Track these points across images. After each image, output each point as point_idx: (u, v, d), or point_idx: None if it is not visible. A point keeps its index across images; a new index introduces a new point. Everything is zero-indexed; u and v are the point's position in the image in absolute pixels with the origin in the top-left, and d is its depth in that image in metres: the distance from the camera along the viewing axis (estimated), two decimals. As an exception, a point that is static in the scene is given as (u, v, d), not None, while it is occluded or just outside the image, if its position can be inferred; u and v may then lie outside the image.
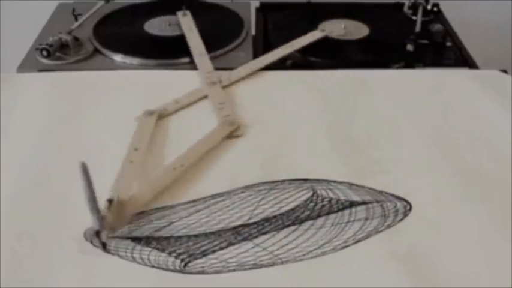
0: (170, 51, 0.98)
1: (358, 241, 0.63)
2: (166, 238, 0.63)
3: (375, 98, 0.86)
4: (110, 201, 0.64)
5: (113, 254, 0.62)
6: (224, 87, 0.88)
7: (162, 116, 0.82)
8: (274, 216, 0.66)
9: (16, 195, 0.68)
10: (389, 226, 0.65)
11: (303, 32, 1.01)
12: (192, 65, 0.94)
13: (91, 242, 0.63)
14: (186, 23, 1.03)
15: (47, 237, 0.63)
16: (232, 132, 0.78)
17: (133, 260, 0.61)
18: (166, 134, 0.79)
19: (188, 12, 1.05)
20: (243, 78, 0.90)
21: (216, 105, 0.84)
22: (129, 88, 0.88)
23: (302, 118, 0.82)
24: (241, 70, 0.92)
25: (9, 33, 1.41)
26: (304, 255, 0.61)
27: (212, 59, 0.95)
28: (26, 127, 0.79)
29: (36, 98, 0.85)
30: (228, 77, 0.90)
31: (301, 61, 0.96)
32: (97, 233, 0.62)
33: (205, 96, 0.86)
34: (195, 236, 0.64)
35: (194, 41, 0.98)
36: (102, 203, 0.63)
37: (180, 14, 1.05)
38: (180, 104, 0.84)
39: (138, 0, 1.14)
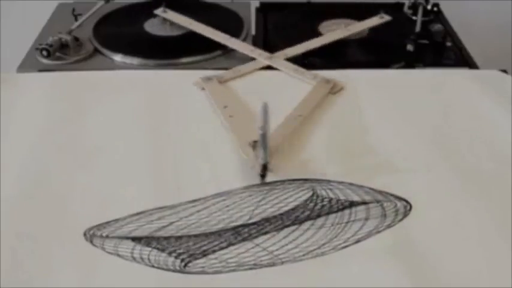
0: (170, 51, 0.98)
1: (358, 241, 0.63)
2: (166, 238, 0.63)
3: (375, 98, 0.86)
4: (254, 142, 0.71)
5: (113, 254, 0.62)
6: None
7: (220, 81, 0.87)
8: (274, 216, 0.66)
9: (16, 195, 0.68)
10: (389, 226, 0.65)
11: (303, 32, 1.01)
12: (192, 65, 0.95)
13: (91, 242, 0.63)
14: (179, 18, 1.04)
15: (47, 237, 0.63)
16: (332, 89, 0.86)
17: (133, 260, 0.61)
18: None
19: (168, 9, 1.05)
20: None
21: (291, 70, 0.90)
22: (129, 88, 0.87)
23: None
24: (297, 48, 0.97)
25: (9, 33, 1.41)
26: (304, 255, 0.61)
27: (212, 59, 0.95)
28: (26, 127, 0.79)
29: (36, 98, 0.85)
30: (283, 53, 0.95)
31: (301, 61, 0.95)
32: (264, 166, 0.68)
33: (265, 67, 0.92)
34: (195, 236, 0.64)
35: (209, 32, 0.99)
36: (100, 204, 0.63)
37: (159, 11, 1.05)
38: (236, 72, 0.90)
39: (138, 0, 1.14)
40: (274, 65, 0.92)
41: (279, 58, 0.93)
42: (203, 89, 0.86)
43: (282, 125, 0.78)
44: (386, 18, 1.04)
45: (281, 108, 0.79)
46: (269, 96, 0.71)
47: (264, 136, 0.67)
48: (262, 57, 0.94)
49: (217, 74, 0.88)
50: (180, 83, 0.88)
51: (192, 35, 1.01)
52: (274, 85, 0.88)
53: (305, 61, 0.95)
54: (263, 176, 0.69)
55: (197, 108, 0.84)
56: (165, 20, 1.05)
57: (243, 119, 0.78)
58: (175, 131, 0.79)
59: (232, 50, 0.98)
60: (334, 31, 1.01)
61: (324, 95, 0.85)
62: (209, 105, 0.84)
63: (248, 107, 0.82)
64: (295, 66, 0.91)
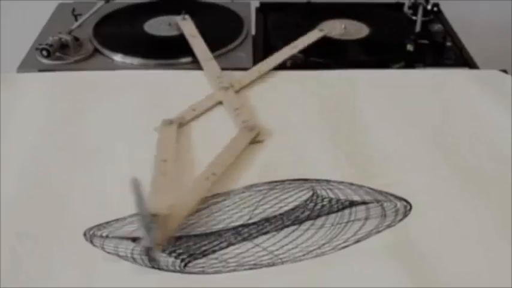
0: (170, 51, 0.98)
1: (358, 241, 0.63)
2: (166, 238, 0.63)
3: (375, 98, 0.86)
4: (154, 216, 0.61)
5: (112, 254, 0.62)
6: (236, 91, 0.87)
7: (181, 124, 0.81)
8: (274, 216, 0.66)
9: (16, 195, 0.68)
10: (389, 226, 0.65)
11: (303, 32, 1.01)
12: (192, 65, 0.95)
13: (91, 242, 0.63)
14: (188, 28, 1.02)
15: (47, 237, 0.63)
16: (255, 138, 0.77)
17: (134, 260, 0.61)
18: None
19: (188, 17, 1.04)
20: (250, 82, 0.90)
21: (232, 111, 0.83)
22: (129, 88, 0.87)
23: (302, 118, 0.82)
24: (250, 73, 0.91)
25: (9, 33, 1.41)
26: (304, 255, 0.61)
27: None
28: (26, 127, 0.79)
29: (36, 98, 0.85)
30: (238, 82, 0.89)
31: (301, 61, 0.95)
32: (148, 250, 0.60)
33: (220, 102, 0.85)
34: (195, 236, 0.64)
35: (198, 46, 0.97)
36: (100, 204, 0.63)
37: (179, 18, 1.05)
38: (197, 111, 0.83)
39: (138, 0, 1.14)
40: (224, 102, 0.85)
41: (237, 85, 0.88)
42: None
43: (190, 190, 0.69)
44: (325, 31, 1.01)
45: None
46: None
47: (143, 217, 0.59)
48: (221, 85, 0.87)
49: (180, 116, 0.81)
50: (180, 83, 0.88)
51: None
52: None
53: (305, 61, 0.95)
54: (155, 261, 0.60)
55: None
56: (165, 20, 1.05)
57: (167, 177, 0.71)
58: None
59: (232, 51, 0.99)
60: (284, 48, 0.96)
61: (242, 147, 0.76)
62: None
63: (190, 157, 0.76)
64: (237, 105, 0.83)
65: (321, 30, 1.01)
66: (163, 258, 0.61)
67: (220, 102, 0.85)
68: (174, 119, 0.80)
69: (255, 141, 0.77)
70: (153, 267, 0.60)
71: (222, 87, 0.87)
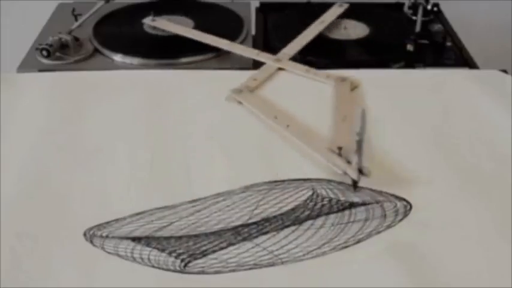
0: (170, 51, 0.98)
1: (358, 241, 0.63)
2: (167, 238, 0.63)
3: (375, 97, 0.86)
4: (340, 148, 0.71)
5: (112, 254, 0.62)
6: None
7: (252, 90, 0.86)
8: (274, 216, 0.66)
9: (16, 195, 0.68)
10: (389, 226, 0.65)
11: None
12: (192, 65, 0.95)
13: (91, 242, 0.63)
14: (168, 25, 1.02)
15: (47, 237, 0.63)
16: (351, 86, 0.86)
17: (134, 260, 0.61)
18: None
19: (156, 18, 1.04)
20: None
21: (307, 70, 0.90)
22: (129, 88, 0.87)
23: (302, 117, 0.82)
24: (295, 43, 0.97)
25: (9, 33, 1.41)
26: (304, 255, 0.61)
27: (212, 59, 0.95)
28: (26, 127, 0.79)
29: (36, 98, 0.85)
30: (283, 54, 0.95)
31: (301, 61, 0.95)
32: (360, 171, 0.68)
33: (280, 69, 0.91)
34: (195, 236, 0.64)
35: (205, 38, 0.98)
36: (100, 204, 0.63)
37: (148, 20, 1.04)
38: (258, 80, 0.88)
39: (138, 0, 1.14)
40: (286, 68, 0.92)
41: (285, 59, 0.93)
42: (240, 102, 0.84)
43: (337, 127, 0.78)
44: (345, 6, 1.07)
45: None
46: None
47: (360, 142, 0.69)
48: (270, 60, 0.93)
49: (244, 85, 0.87)
50: (180, 83, 0.88)
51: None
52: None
53: (305, 61, 0.95)
54: (356, 182, 0.68)
55: (197, 108, 0.84)
56: (165, 20, 1.05)
57: (302, 128, 0.78)
58: (175, 131, 0.79)
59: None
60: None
61: (347, 93, 0.86)
62: (210, 105, 0.85)
63: (295, 114, 0.81)
64: (306, 67, 0.91)
65: (341, 6, 1.06)
66: (163, 258, 0.61)
67: (281, 69, 0.92)
68: (241, 87, 0.86)
69: (352, 88, 0.86)
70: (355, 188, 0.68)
71: (275, 59, 0.93)
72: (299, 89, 0.88)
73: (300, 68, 0.91)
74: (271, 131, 0.78)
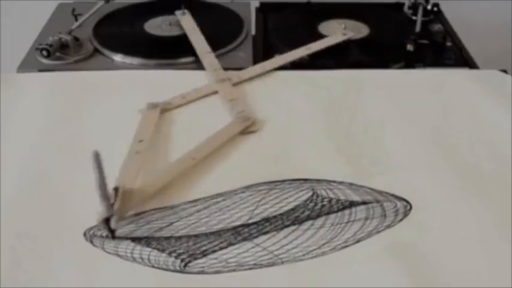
0: (170, 51, 0.98)
1: (358, 241, 0.63)
2: (167, 238, 0.63)
3: (375, 98, 0.86)
4: (116, 189, 0.65)
5: (112, 254, 0.62)
6: (234, 84, 0.88)
7: (165, 109, 0.82)
8: (274, 216, 0.66)
9: (16, 195, 0.68)
10: (389, 226, 0.65)
11: (303, 32, 1.01)
12: (193, 65, 0.95)
13: (91, 242, 0.63)
14: (187, 22, 1.03)
15: (47, 237, 0.63)
16: (247, 128, 0.78)
17: (133, 260, 0.61)
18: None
19: (187, 11, 1.05)
20: (250, 78, 0.90)
21: (227, 101, 0.84)
22: (129, 88, 0.87)
23: (303, 118, 0.82)
24: (251, 70, 0.92)
25: (9, 33, 1.41)
26: (304, 255, 0.61)
27: (212, 59, 0.94)
28: (26, 127, 0.79)
29: (36, 98, 0.85)
30: (237, 75, 0.90)
31: (301, 61, 0.95)
32: (106, 220, 0.62)
33: (213, 93, 0.86)
34: (195, 236, 0.64)
35: (197, 40, 0.98)
36: (97, 201, 0.63)
37: (178, 13, 1.05)
38: (186, 99, 0.85)
39: (138, 0, 1.14)
40: (220, 91, 0.85)
41: (233, 80, 0.88)
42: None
43: (164, 170, 0.71)
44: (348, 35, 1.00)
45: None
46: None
47: (101, 188, 0.61)
48: (218, 77, 0.88)
49: (168, 101, 0.83)
50: (180, 83, 0.88)
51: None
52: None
53: (305, 61, 0.95)
54: (112, 232, 0.63)
55: (202, 104, 0.84)
56: (165, 20, 1.05)
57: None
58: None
59: (232, 51, 0.99)
60: (295, 50, 0.95)
61: (232, 135, 0.77)
62: (214, 101, 0.84)
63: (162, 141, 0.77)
64: (234, 96, 0.83)
65: (344, 34, 1.00)
66: (163, 258, 0.61)
67: (213, 94, 0.86)
68: (159, 103, 0.82)
69: (248, 131, 0.78)
70: (113, 237, 0.63)
71: (219, 79, 0.88)
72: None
73: (229, 94, 0.85)
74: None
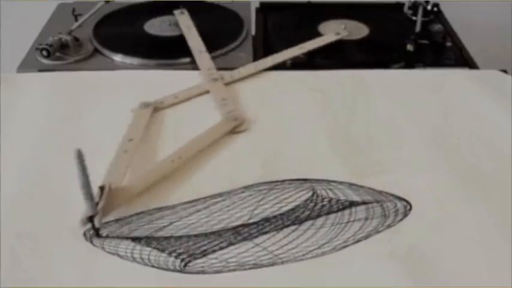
0: (170, 51, 0.98)
1: (358, 241, 0.63)
2: (167, 238, 0.63)
3: (375, 98, 0.86)
4: (101, 188, 0.65)
5: (112, 254, 0.62)
6: (226, 84, 0.88)
7: (157, 108, 0.83)
8: (274, 216, 0.66)
9: (16, 195, 0.68)
10: (389, 226, 0.65)
11: (303, 32, 1.01)
12: (192, 65, 0.95)
13: (91, 242, 0.63)
14: (184, 22, 1.03)
15: (47, 237, 0.63)
16: (236, 128, 0.78)
17: (133, 260, 0.61)
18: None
19: (185, 11, 1.05)
20: (244, 78, 0.90)
21: (218, 100, 0.84)
22: (129, 88, 0.88)
23: (302, 118, 0.82)
24: (244, 69, 0.92)
25: (9, 33, 1.41)
26: (304, 255, 0.61)
27: (212, 59, 0.94)
28: (26, 127, 0.79)
29: (36, 98, 0.85)
30: (230, 75, 0.90)
31: (301, 61, 0.95)
32: (90, 219, 0.62)
33: (205, 93, 0.86)
34: (195, 236, 0.64)
35: (193, 39, 0.98)
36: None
37: (177, 12, 1.05)
38: (179, 98, 0.85)
39: (138, 0, 1.14)
40: (211, 91, 0.86)
41: (226, 80, 0.88)
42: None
43: (151, 169, 0.71)
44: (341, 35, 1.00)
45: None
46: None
47: (84, 187, 0.61)
48: (211, 77, 0.88)
49: (160, 100, 0.84)
50: (180, 83, 0.88)
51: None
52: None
53: (305, 61, 0.95)
54: (97, 230, 0.63)
55: (195, 104, 0.84)
56: (165, 20, 1.05)
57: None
58: (175, 131, 0.79)
59: (232, 51, 0.99)
60: (289, 49, 0.95)
61: (220, 134, 0.77)
62: (207, 101, 0.84)
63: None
64: (226, 95, 0.83)
65: (338, 34, 1.00)
66: (163, 258, 0.61)
67: (205, 93, 0.86)
68: (151, 102, 0.82)
69: (237, 131, 0.78)
70: (97, 236, 0.63)
71: (211, 78, 0.88)
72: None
73: (221, 94, 0.85)
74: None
